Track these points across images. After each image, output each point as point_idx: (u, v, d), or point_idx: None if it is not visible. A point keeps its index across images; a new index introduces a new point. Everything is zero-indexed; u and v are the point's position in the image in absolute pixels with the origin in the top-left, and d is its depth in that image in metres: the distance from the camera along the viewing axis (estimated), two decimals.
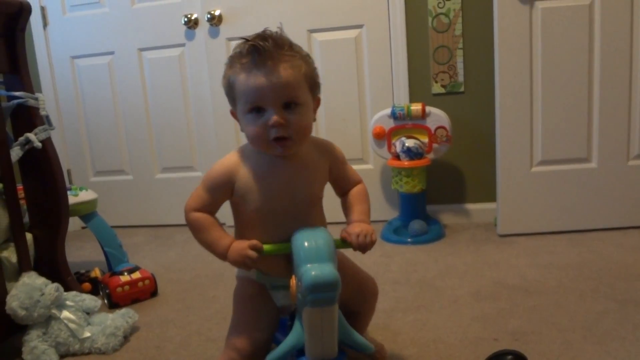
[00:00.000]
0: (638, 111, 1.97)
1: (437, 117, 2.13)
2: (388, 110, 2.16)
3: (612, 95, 1.96)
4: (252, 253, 0.92)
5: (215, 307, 1.61)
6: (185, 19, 2.37)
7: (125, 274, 1.65)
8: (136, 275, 1.66)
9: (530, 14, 1.92)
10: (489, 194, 2.28)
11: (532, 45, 1.94)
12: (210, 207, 0.98)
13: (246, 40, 0.91)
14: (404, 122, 2.15)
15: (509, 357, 1.05)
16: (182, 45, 2.45)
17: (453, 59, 2.23)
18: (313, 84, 0.94)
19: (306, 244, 0.88)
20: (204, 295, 1.71)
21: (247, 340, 0.96)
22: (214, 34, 2.36)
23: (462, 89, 2.25)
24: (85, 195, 1.85)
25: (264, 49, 0.87)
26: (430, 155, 2.14)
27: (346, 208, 1.05)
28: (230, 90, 0.94)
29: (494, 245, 2.00)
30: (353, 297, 1.06)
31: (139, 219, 2.65)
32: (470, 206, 2.35)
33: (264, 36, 0.89)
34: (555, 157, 2.02)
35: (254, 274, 1.02)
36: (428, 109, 2.12)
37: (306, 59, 0.93)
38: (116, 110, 2.59)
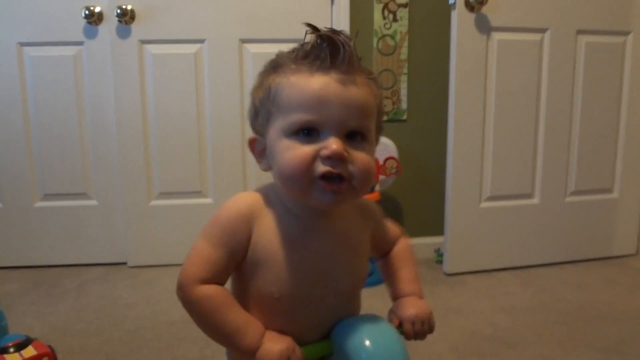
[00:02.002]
0: (576, 147, 2.01)
1: (385, 146, 1.96)
2: None
3: (555, 131, 1.97)
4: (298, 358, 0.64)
5: None
6: (87, 12, 1.91)
7: (12, 350, 1.18)
8: (29, 352, 1.19)
9: (487, 45, 1.85)
10: (426, 228, 2.18)
11: (487, 77, 1.87)
12: (223, 274, 0.66)
13: (310, 31, 0.62)
14: None
15: None
16: (80, 43, 1.97)
17: (397, 84, 2.10)
18: (380, 124, 0.68)
19: (369, 344, 0.62)
20: None
21: None
22: (123, 33, 1.93)
23: (404, 117, 2.12)
24: None
25: (342, 44, 0.59)
26: (377, 188, 1.96)
27: (389, 273, 0.80)
28: (266, 103, 0.63)
29: (446, 287, 1.87)
30: None
31: (11, 259, 2.06)
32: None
33: (334, 30, 0.61)
34: (503, 193, 1.97)
35: None
36: None
37: (379, 85, 0.66)
38: None
